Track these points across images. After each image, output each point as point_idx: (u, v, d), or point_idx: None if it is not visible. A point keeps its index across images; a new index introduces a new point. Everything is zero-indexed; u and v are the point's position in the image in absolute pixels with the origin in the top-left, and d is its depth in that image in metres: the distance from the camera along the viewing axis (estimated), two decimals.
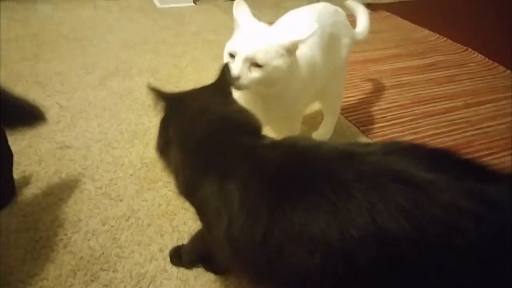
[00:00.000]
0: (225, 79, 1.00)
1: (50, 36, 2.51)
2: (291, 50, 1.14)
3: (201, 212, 0.89)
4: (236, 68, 1.10)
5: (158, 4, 3.14)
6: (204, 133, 0.88)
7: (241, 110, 0.97)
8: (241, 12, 1.21)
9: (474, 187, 0.64)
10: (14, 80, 2.01)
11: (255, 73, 1.11)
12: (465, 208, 0.62)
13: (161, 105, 0.94)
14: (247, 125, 0.93)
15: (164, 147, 0.95)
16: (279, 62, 1.12)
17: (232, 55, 1.13)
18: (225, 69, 1.01)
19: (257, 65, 1.11)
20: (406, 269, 0.64)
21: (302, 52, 1.24)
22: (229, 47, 1.15)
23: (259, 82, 1.12)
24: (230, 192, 0.77)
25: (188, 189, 0.89)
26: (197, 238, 1.14)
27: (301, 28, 1.17)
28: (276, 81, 1.16)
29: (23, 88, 1.95)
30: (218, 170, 0.82)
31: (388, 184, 0.66)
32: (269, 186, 0.76)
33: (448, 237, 0.62)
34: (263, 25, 1.20)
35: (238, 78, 1.10)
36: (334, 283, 0.70)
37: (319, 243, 0.68)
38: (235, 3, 1.21)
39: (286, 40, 1.11)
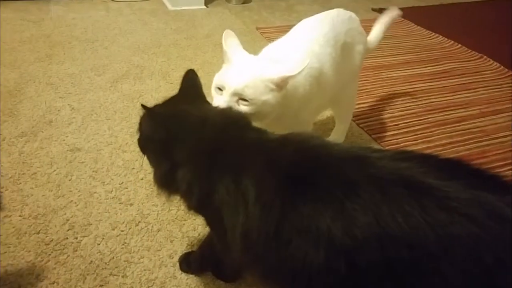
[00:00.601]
0: (194, 84, 1.02)
1: (62, 37, 2.52)
2: (280, 85, 1.10)
3: (216, 218, 0.87)
4: (224, 101, 1.09)
5: (170, 7, 3.14)
6: (212, 138, 0.88)
7: (229, 108, 1.00)
8: (231, 44, 1.18)
9: (483, 196, 0.65)
10: (27, 81, 2.02)
11: (243, 108, 1.09)
12: (471, 216, 0.63)
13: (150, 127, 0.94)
14: (242, 120, 0.96)
15: (167, 174, 0.92)
16: (268, 97, 1.09)
17: (219, 89, 1.12)
18: (190, 74, 1.02)
19: (246, 100, 1.09)
20: (407, 273, 0.66)
21: (309, 65, 1.22)
22: (217, 80, 1.13)
23: (248, 116, 1.10)
24: (246, 188, 0.78)
25: (203, 199, 0.87)
26: (206, 245, 1.14)
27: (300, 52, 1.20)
28: (266, 115, 1.13)
29: (36, 89, 1.96)
30: (233, 168, 0.83)
31: (395, 188, 0.68)
32: (282, 180, 0.78)
33: (451, 243, 0.63)
34: (253, 58, 1.18)
35: None
36: (336, 283, 0.71)
37: (324, 239, 0.69)
38: (224, 35, 1.18)
39: (276, 75, 1.09)
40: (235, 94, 1.08)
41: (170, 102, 1.00)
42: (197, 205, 0.92)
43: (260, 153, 0.84)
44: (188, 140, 0.89)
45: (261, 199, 0.77)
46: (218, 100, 1.10)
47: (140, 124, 0.98)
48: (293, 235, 0.73)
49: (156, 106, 0.98)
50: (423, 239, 0.64)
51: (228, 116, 0.96)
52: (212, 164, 0.85)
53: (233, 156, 0.85)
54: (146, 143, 0.99)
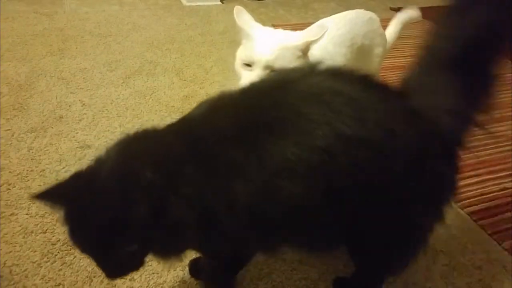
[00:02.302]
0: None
1: (75, 31, 2.50)
2: (305, 51, 1.12)
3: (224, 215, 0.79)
4: (256, 75, 1.08)
5: (185, 2, 3.10)
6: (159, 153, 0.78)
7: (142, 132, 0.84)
8: (244, 19, 1.18)
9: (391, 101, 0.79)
10: (38, 76, 2.00)
11: None
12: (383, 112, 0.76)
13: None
14: (148, 131, 0.84)
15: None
16: (296, 64, 1.10)
17: (247, 65, 1.12)
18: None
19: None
20: (367, 171, 0.74)
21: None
22: (242, 56, 1.13)
23: None
24: (223, 162, 0.76)
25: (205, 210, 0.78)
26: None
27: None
28: None
29: (47, 84, 1.93)
30: (200, 161, 0.76)
31: (332, 98, 0.75)
32: (244, 130, 0.77)
33: (388, 140, 0.74)
34: (272, 29, 1.18)
35: None
36: (318, 210, 0.76)
37: (297, 166, 0.73)
38: (235, 11, 1.19)
39: (300, 41, 1.09)
40: (267, 66, 1.08)
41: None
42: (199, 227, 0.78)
43: (205, 129, 0.79)
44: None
45: (243, 159, 0.74)
46: (249, 76, 1.10)
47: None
48: (273, 175, 0.74)
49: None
50: (369, 135, 0.73)
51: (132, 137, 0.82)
52: (186, 173, 0.76)
53: (188, 152, 0.77)
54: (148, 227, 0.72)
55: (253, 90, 0.84)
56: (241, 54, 1.14)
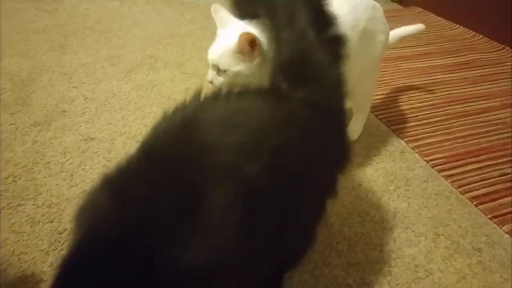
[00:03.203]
0: None
1: (76, 27, 2.51)
2: (247, 52, 1.05)
3: None
4: (209, 75, 1.16)
5: None
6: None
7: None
8: (220, 17, 1.16)
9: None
10: (40, 71, 2.01)
11: (222, 78, 1.13)
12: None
13: None
14: None
15: None
16: (239, 68, 1.09)
17: None
18: None
19: (224, 70, 1.11)
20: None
21: None
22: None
23: (230, 86, 1.10)
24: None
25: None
26: None
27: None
28: (250, 83, 1.05)
29: (49, 79, 1.95)
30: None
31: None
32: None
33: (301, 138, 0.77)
34: (238, 26, 1.11)
35: (211, 82, 1.17)
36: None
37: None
38: (212, 10, 1.16)
39: (233, 42, 1.06)
40: (213, 66, 1.12)
41: None
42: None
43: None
44: None
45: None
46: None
47: None
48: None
49: None
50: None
51: None
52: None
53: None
54: None
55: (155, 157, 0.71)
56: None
